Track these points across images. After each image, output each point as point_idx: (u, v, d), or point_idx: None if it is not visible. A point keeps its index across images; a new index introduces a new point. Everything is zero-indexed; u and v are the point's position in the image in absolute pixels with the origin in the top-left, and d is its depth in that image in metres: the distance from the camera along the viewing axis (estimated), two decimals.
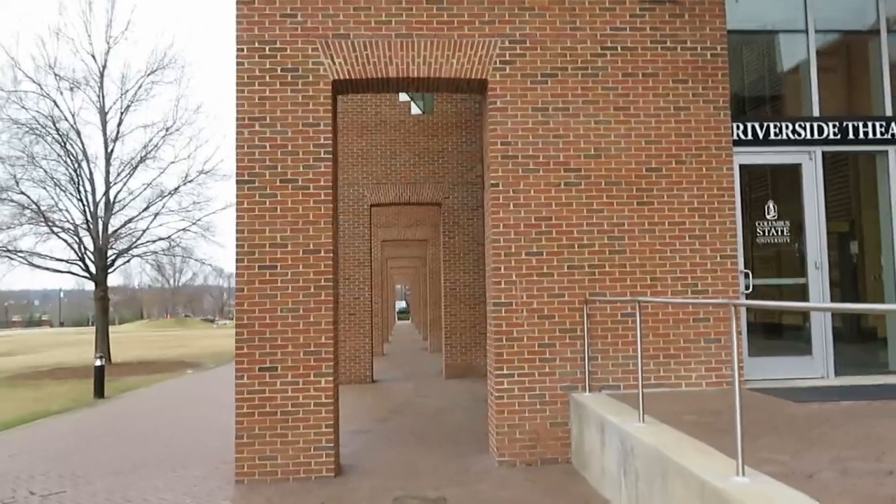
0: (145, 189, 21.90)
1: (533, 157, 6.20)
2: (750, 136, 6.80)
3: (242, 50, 6.01)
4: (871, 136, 6.94)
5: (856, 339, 8.41)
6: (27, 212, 20.54)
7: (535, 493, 5.16)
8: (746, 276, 6.54)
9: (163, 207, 22.03)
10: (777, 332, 7.81)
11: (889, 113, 7.07)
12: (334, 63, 6.05)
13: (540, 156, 6.21)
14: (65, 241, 20.90)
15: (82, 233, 20.87)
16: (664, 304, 6.18)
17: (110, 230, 21.04)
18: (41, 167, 20.70)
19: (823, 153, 6.92)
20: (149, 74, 21.79)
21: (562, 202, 6.20)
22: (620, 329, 6.15)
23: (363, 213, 12.99)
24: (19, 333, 65.10)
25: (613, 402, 5.54)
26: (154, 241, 22.48)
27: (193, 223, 22.65)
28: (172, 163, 22.19)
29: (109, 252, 21.24)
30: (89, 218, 20.74)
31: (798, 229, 6.92)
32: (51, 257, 21.08)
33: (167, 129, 21.76)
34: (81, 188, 20.96)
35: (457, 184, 13.14)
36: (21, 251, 20.83)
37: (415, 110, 13.29)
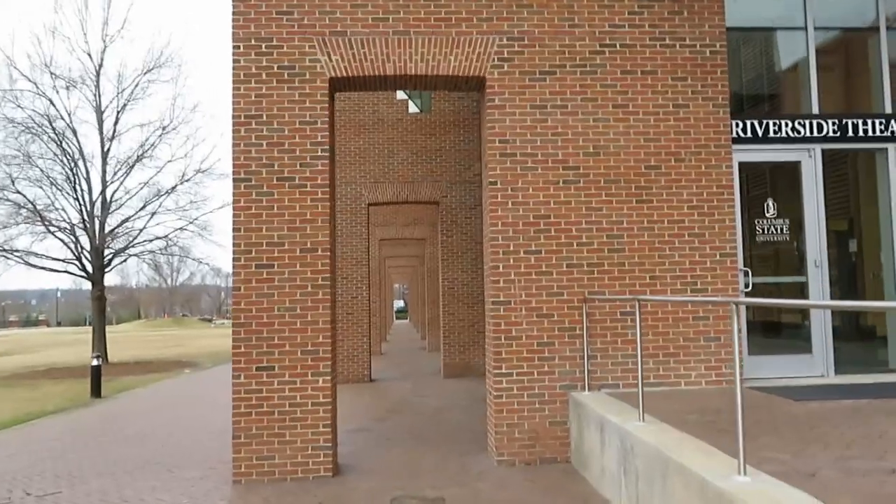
0: (142, 188, 21.90)
1: (531, 155, 6.17)
2: (749, 134, 6.77)
3: (239, 47, 5.97)
4: (870, 133, 6.92)
5: (854, 337, 8.40)
6: (23, 211, 20.52)
7: (534, 493, 5.14)
8: (746, 274, 6.51)
9: (160, 206, 22.03)
10: (776, 331, 7.79)
11: (889, 110, 7.05)
12: (331, 60, 6.01)
13: (538, 154, 6.18)
14: (61, 240, 20.89)
15: (79, 232, 20.84)
16: (663, 303, 6.16)
17: (107, 229, 20.99)
18: (37, 166, 20.67)
19: (823, 151, 6.90)
20: (145, 73, 21.78)
21: (560, 200, 6.17)
22: (619, 328, 6.12)
23: (361, 211, 12.95)
24: (16, 333, 65.03)
25: (613, 401, 5.52)
26: (151, 241, 22.48)
27: (191, 222, 22.65)
28: (169, 161, 22.24)
29: (106, 251, 21.20)
30: (86, 217, 20.69)
31: (797, 227, 6.90)
32: (47, 257, 21.05)
33: (164, 128, 21.75)
34: (78, 187, 20.93)
35: (455, 182, 13.11)
36: (17, 250, 20.79)
37: (412, 108, 13.25)
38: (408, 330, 37.54)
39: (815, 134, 6.86)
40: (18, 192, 20.36)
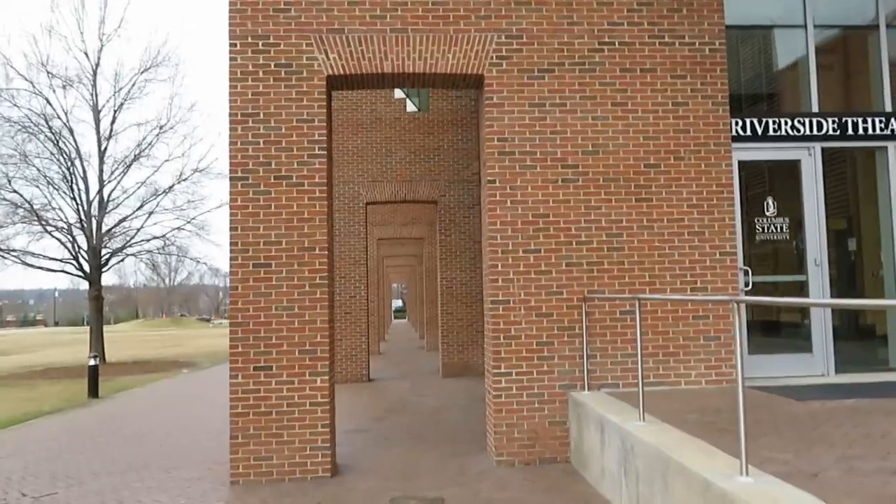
0: (139, 187, 21.85)
1: (530, 153, 6.14)
2: (749, 132, 6.75)
3: (235, 45, 5.93)
4: (870, 131, 6.89)
5: (854, 336, 8.38)
6: (20, 210, 20.46)
7: (534, 493, 5.11)
8: (746, 273, 6.49)
9: (157, 206, 21.98)
10: (776, 330, 7.76)
11: (888, 108, 7.03)
12: (328, 58, 5.98)
13: (537, 152, 6.15)
14: (58, 239, 20.83)
15: (76, 231, 20.79)
16: (663, 302, 6.13)
17: (104, 229, 20.94)
18: (34, 165, 20.61)
19: (822, 149, 6.87)
20: (142, 72, 21.71)
21: (559, 199, 6.14)
22: (619, 327, 6.09)
23: (359, 210, 12.92)
24: (13, 333, 64.87)
25: (613, 401, 5.49)
26: (149, 240, 22.44)
27: (188, 222, 22.60)
28: (167, 161, 22.13)
29: (103, 251, 21.13)
30: (83, 216, 20.62)
31: (797, 226, 6.88)
32: (44, 256, 21.00)
33: (161, 128, 21.70)
34: (75, 186, 20.87)
35: (453, 181, 13.08)
36: (14, 250, 20.73)
37: (410, 107, 13.20)
38: (406, 329, 37.52)
39: (815, 132, 6.84)
40: (15, 192, 20.32)
